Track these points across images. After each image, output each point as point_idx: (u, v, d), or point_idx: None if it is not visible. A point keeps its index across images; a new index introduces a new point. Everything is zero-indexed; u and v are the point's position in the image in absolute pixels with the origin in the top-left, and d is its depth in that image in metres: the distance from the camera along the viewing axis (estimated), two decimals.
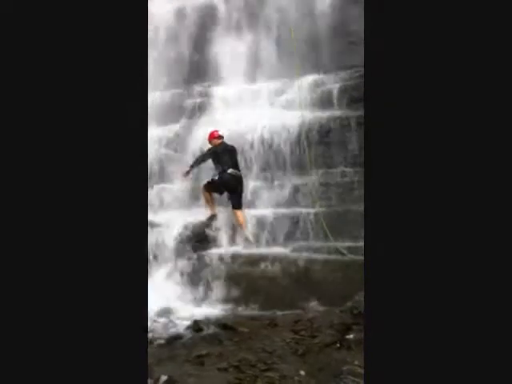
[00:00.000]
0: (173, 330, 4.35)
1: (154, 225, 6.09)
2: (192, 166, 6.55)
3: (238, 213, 6.23)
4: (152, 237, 5.85)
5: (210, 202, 6.45)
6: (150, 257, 5.69)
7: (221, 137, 6.66)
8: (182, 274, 5.41)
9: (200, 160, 6.56)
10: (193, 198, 6.95)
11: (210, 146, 6.60)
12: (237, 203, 6.31)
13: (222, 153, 6.45)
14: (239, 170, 6.47)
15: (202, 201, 6.53)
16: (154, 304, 4.87)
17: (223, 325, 4.28)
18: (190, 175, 6.68)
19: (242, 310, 4.75)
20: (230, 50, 8.73)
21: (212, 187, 6.43)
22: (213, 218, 6.30)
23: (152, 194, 7.28)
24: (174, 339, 4.16)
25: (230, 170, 6.35)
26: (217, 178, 6.37)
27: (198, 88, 8.73)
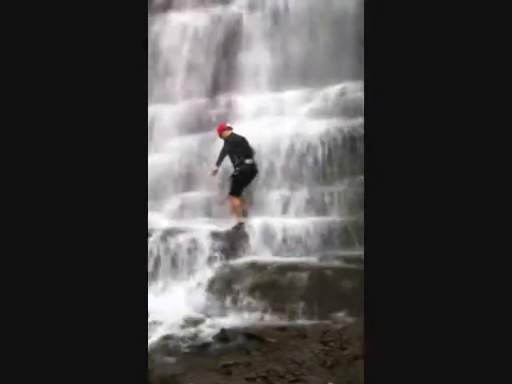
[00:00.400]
0: (200, 339, 4.33)
1: (181, 233, 6.11)
2: (218, 164, 6.62)
3: (236, 200, 6.40)
4: (180, 245, 5.88)
5: (237, 210, 6.45)
6: (180, 264, 5.72)
7: (230, 128, 6.84)
8: (209, 283, 5.39)
9: (223, 154, 6.62)
10: (219, 206, 6.95)
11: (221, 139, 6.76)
12: (239, 190, 6.46)
13: (236, 143, 6.60)
14: (253, 158, 6.59)
15: (230, 208, 6.52)
16: (182, 312, 4.88)
17: (251, 335, 4.25)
18: (216, 176, 6.78)
19: (269, 320, 4.70)
20: (254, 60, 8.78)
21: (238, 188, 6.48)
22: (240, 226, 6.30)
23: (178, 202, 7.33)
24: (201, 348, 4.15)
25: (247, 161, 6.50)
26: (237, 172, 6.46)
27: (222, 98, 8.78)
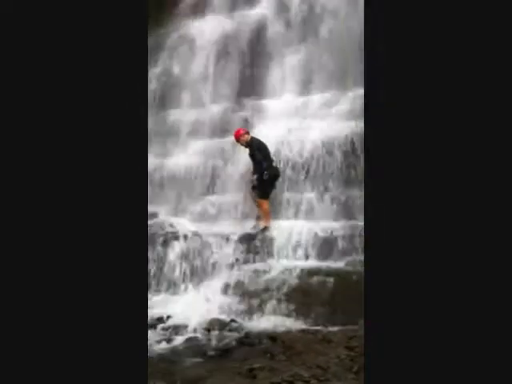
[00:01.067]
0: (224, 343, 4.33)
1: (206, 235, 6.13)
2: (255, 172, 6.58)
3: (266, 203, 6.39)
4: (207, 249, 5.90)
5: (268, 213, 6.45)
6: (205, 268, 5.74)
7: (248, 132, 6.86)
8: (235, 286, 5.39)
9: (260, 160, 6.51)
10: (246, 209, 6.94)
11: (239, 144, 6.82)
12: (269, 193, 6.48)
13: (260, 146, 6.63)
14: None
15: (261, 211, 6.50)
16: (207, 315, 4.89)
17: (276, 338, 4.22)
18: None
19: (295, 324, 4.67)
20: (280, 63, 8.77)
21: (269, 191, 6.50)
22: (266, 229, 6.29)
23: (203, 205, 7.36)
24: (226, 352, 4.15)
25: (273, 163, 6.61)
26: (267, 175, 6.43)
27: (249, 101, 8.78)
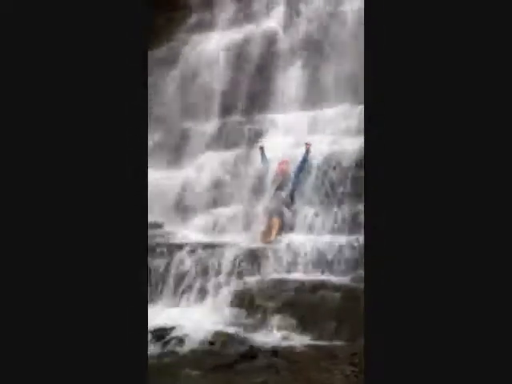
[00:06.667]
0: (228, 356, 4.27)
1: (211, 247, 6.12)
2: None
3: (280, 220, 6.53)
4: (210, 260, 5.88)
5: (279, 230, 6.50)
6: (209, 280, 5.71)
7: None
8: (238, 299, 5.34)
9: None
10: (252, 222, 6.93)
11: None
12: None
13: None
14: None
15: (271, 227, 6.51)
16: (210, 328, 4.84)
17: (280, 353, 4.17)
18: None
19: (299, 339, 4.61)
20: (289, 77, 8.82)
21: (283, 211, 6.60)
22: (271, 243, 6.28)
23: (208, 217, 7.37)
24: (229, 365, 4.09)
25: None
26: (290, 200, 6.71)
27: (257, 115, 8.82)
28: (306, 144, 7.00)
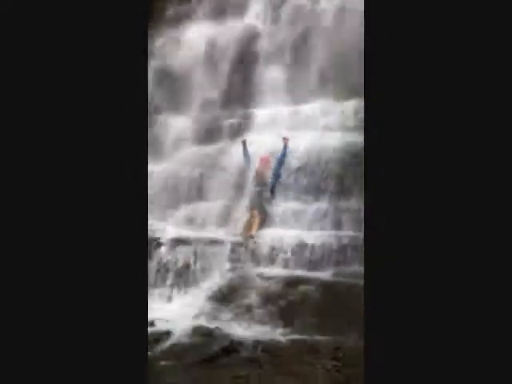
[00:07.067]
0: (209, 350, 4.25)
1: (192, 242, 6.08)
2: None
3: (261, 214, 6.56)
4: (191, 255, 5.84)
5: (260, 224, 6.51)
6: (190, 274, 5.68)
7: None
8: (221, 293, 5.32)
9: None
10: (233, 216, 6.92)
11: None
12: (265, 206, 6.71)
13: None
14: None
15: (253, 222, 6.52)
16: (191, 322, 4.81)
17: (262, 347, 4.16)
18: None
19: (281, 333, 4.62)
20: (271, 73, 8.80)
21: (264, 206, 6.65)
22: (252, 237, 6.27)
23: (189, 211, 7.32)
24: (211, 359, 4.07)
25: None
26: (270, 195, 6.76)
27: (238, 110, 8.78)
28: (284, 139, 7.02)
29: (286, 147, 6.96)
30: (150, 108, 9.28)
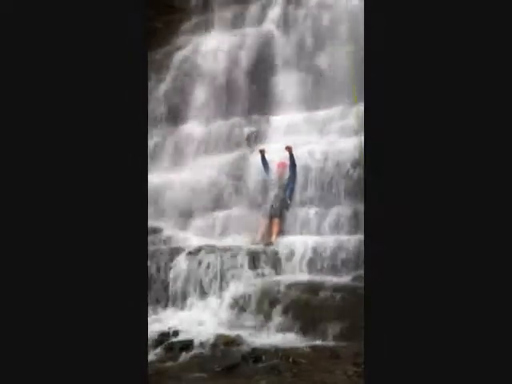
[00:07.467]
0: (231, 358, 4.28)
1: (212, 250, 6.12)
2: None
3: (280, 222, 6.62)
4: (213, 263, 5.88)
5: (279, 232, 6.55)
6: (211, 282, 5.72)
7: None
8: (241, 301, 5.35)
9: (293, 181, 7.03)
10: (253, 224, 6.95)
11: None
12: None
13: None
14: None
15: (274, 229, 6.59)
16: (213, 330, 4.86)
17: (282, 355, 4.17)
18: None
19: (301, 340, 4.62)
20: (286, 79, 8.83)
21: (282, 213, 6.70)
22: (271, 244, 6.31)
23: (209, 219, 7.37)
24: (232, 367, 4.10)
25: None
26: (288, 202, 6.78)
27: (255, 117, 8.83)
28: (287, 148, 6.94)
29: (292, 155, 6.90)
30: (169, 117, 9.44)
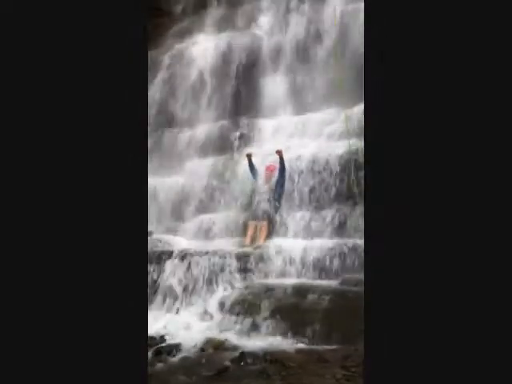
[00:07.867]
0: (219, 362, 4.26)
1: (201, 254, 6.10)
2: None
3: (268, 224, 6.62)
4: (199, 267, 5.86)
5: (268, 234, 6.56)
6: (199, 286, 5.70)
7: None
8: (230, 305, 5.33)
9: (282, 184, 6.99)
10: (241, 227, 6.95)
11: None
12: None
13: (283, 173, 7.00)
14: None
15: (262, 232, 6.59)
16: (201, 335, 4.83)
17: (271, 358, 4.16)
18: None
19: (289, 343, 4.62)
20: (275, 83, 8.87)
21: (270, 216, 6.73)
22: (259, 247, 6.32)
23: (197, 223, 7.37)
24: (221, 371, 4.08)
25: None
26: (277, 205, 6.80)
27: (244, 120, 8.85)
28: (277, 151, 6.93)
29: (282, 159, 6.89)
30: (160, 121, 9.42)
